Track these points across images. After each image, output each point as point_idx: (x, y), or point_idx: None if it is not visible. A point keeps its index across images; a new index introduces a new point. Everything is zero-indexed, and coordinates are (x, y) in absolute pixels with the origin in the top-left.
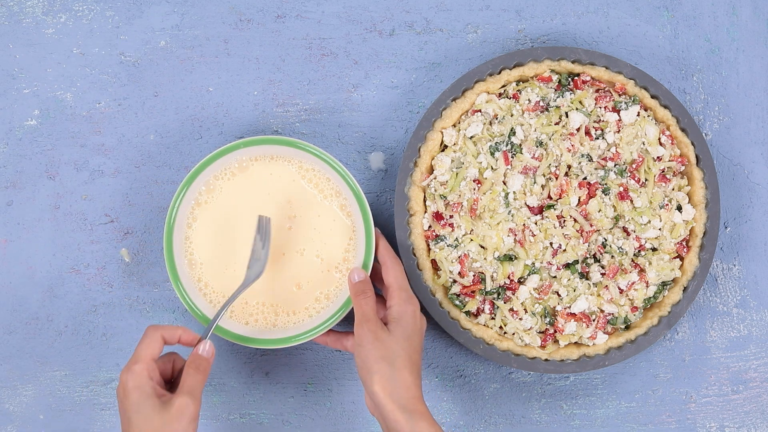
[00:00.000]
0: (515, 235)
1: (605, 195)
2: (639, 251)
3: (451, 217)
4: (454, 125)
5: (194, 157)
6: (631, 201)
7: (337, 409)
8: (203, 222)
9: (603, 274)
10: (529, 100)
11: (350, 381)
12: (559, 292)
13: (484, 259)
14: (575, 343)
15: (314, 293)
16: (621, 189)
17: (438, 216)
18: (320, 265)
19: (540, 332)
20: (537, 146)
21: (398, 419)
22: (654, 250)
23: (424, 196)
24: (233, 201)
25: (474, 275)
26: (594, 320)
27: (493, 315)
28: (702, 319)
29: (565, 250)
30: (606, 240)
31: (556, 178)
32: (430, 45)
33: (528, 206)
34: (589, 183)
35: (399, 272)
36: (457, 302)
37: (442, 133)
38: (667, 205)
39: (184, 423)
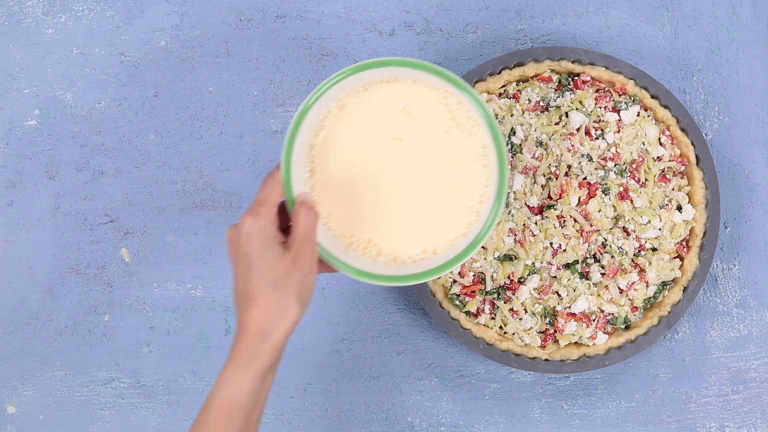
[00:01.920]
0: (515, 235)
1: (605, 195)
2: (639, 251)
3: None
4: None
5: (194, 157)
6: (631, 201)
7: (337, 409)
8: (332, 132)
9: (603, 274)
10: (529, 100)
11: (350, 381)
12: (559, 292)
13: (484, 259)
14: (575, 343)
15: (447, 234)
16: (621, 189)
17: None
18: (452, 204)
19: (540, 332)
20: (537, 146)
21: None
22: (654, 250)
23: None
24: (367, 119)
25: (474, 275)
26: (594, 320)
27: (493, 315)
28: (702, 319)
29: (565, 250)
30: (606, 240)
31: (556, 178)
32: (430, 45)
33: (528, 206)
34: (589, 183)
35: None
36: (457, 302)
37: None
38: (667, 205)
39: (306, 271)
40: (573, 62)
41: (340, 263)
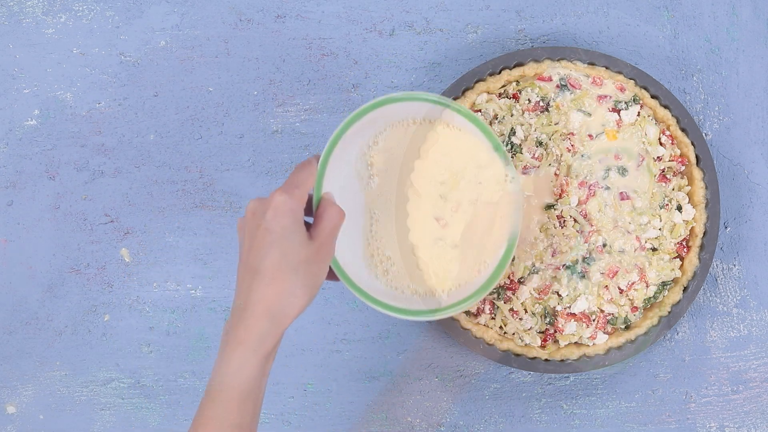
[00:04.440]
0: None
1: (605, 195)
2: (639, 251)
3: None
4: None
5: (194, 157)
6: (631, 201)
7: (337, 409)
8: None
9: (603, 274)
10: (529, 100)
11: (350, 381)
12: (559, 292)
13: None
14: (575, 343)
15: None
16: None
17: None
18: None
19: (540, 332)
20: (537, 146)
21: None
22: (654, 250)
23: None
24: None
25: None
26: (594, 320)
27: (493, 315)
28: (702, 319)
29: (563, 251)
30: (606, 240)
31: (557, 178)
32: (430, 45)
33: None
34: (589, 183)
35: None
36: None
37: None
38: (667, 205)
39: (324, 265)
40: (573, 62)
41: (343, 274)
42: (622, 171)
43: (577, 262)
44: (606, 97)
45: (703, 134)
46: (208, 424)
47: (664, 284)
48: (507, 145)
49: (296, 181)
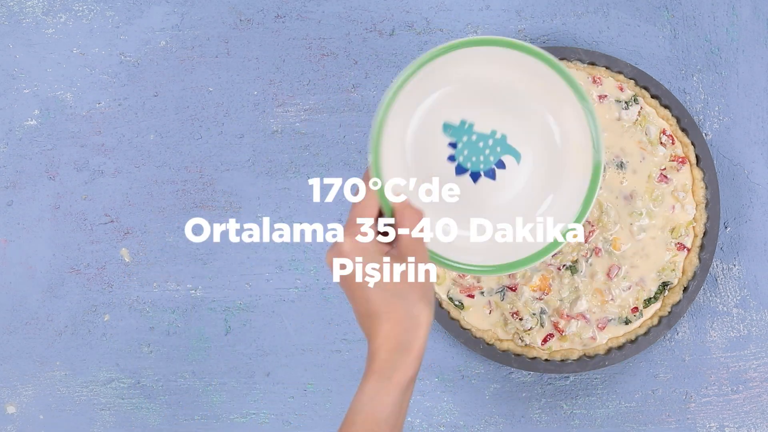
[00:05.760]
0: None
1: (605, 195)
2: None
3: None
4: None
5: (194, 157)
6: (632, 201)
7: (337, 409)
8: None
9: (603, 274)
10: None
11: (350, 381)
12: (560, 292)
13: None
14: (575, 343)
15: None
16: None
17: None
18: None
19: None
20: None
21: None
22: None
23: None
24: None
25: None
26: (594, 320)
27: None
28: (702, 319)
29: (563, 251)
30: (606, 240)
31: None
32: (430, 45)
33: None
34: None
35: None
36: (457, 303)
37: None
38: (667, 205)
39: (424, 271)
40: (573, 62)
41: (443, 260)
42: (622, 171)
43: (577, 261)
44: (606, 96)
45: (703, 134)
46: None
47: (664, 284)
48: None
49: (355, 214)
